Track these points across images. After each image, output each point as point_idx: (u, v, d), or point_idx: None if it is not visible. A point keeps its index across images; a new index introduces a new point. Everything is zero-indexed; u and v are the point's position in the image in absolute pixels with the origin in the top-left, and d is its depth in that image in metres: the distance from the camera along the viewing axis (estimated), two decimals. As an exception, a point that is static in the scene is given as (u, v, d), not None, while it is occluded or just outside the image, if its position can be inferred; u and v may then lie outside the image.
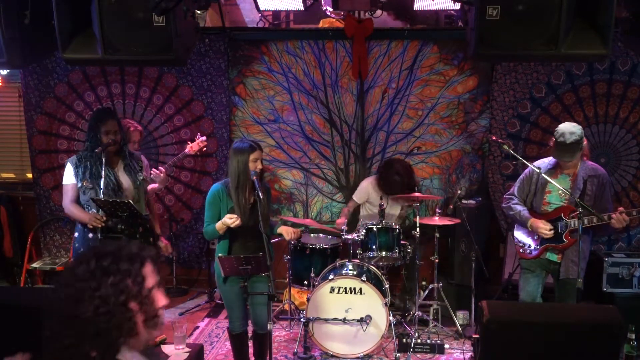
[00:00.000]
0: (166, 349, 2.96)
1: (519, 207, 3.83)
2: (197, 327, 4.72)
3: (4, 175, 5.97)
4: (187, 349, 2.98)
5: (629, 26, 3.19)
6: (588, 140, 5.06)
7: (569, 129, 3.62)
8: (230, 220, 3.26)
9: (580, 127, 3.64)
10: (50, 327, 1.44)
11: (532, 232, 3.79)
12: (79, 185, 3.64)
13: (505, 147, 3.81)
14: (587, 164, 3.76)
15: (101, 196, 3.52)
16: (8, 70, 5.50)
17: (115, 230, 3.63)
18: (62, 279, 1.47)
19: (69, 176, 3.69)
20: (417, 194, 4.48)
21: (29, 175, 5.72)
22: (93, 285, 1.41)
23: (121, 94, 5.48)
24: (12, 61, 3.24)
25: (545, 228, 3.67)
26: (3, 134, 5.87)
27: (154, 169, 4.40)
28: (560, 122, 5.03)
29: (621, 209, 3.60)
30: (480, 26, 2.81)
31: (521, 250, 3.88)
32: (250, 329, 3.65)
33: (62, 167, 5.45)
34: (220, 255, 3.37)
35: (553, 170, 3.76)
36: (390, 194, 4.73)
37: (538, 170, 3.67)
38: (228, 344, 4.35)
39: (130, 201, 3.52)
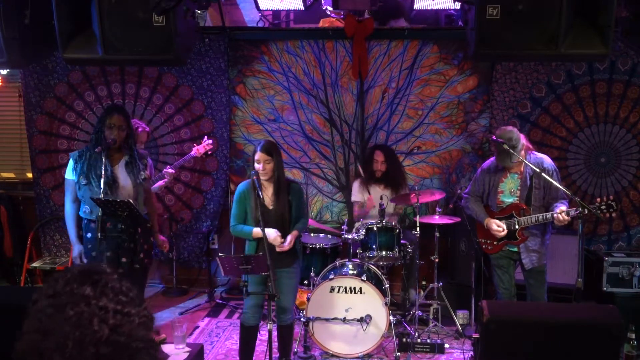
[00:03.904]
0: (166, 348, 2.96)
1: (475, 207, 4.02)
2: (197, 327, 4.72)
3: (4, 175, 5.97)
4: (187, 349, 2.98)
5: (629, 26, 3.20)
6: (588, 140, 5.12)
7: (504, 135, 3.76)
8: (276, 241, 3.44)
9: (515, 129, 3.79)
10: None
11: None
12: (76, 180, 3.67)
13: (505, 146, 3.81)
14: (532, 159, 3.84)
15: (100, 194, 3.52)
16: (8, 70, 5.50)
17: (115, 230, 3.65)
18: None
19: (69, 171, 3.72)
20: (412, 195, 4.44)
21: (29, 175, 5.72)
22: None
23: (121, 93, 5.48)
24: (12, 61, 3.25)
25: (497, 231, 3.84)
26: (3, 134, 5.87)
27: (169, 167, 4.58)
28: (561, 122, 5.12)
29: (563, 208, 3.64)
30: (481, 26, 2.82)
31: (483, 247, 4.06)
32: (261, 324, 3.71)
33: (63, 166, 5.56)
34: (220, 255, 3.38)
35: (502, 172, 3.92)
36: (372, 182, 4.81)
37: (537, 171, 3.69)
38: (228, 343, 4.36)
39: (131, 200, 3.52)
